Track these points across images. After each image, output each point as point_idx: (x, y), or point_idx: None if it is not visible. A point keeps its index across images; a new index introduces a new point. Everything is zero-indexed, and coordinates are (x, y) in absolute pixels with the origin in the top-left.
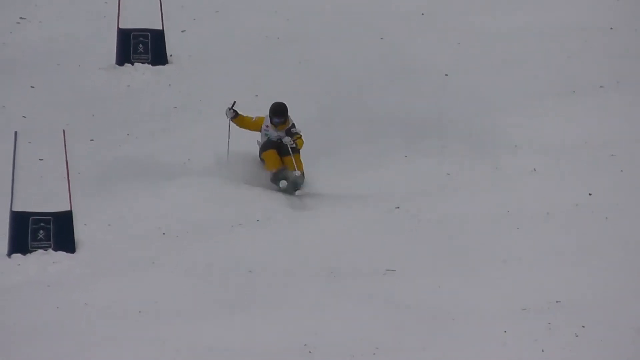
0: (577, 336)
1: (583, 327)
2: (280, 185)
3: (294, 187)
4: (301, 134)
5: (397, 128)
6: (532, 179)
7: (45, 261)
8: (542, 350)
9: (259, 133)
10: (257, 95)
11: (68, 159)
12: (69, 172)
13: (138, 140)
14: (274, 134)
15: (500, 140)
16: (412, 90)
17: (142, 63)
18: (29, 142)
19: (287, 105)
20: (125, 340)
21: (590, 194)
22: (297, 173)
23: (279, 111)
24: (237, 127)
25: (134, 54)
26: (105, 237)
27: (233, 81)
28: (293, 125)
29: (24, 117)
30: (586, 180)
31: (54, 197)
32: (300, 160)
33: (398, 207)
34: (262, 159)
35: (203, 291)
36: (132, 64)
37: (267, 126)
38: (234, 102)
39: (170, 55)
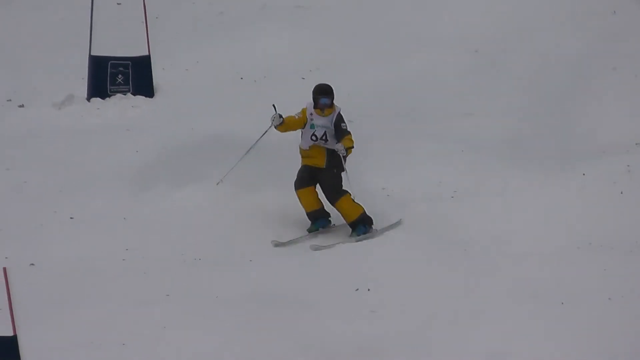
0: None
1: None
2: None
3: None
4: (350, 131)
5: None
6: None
7: (124, 105)
8: (621, 193)
9: (299, 138)
10: None
11: (146, 4)
12: (147, 16)
13: None
14: (320, 122)
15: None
16: None
17: None
18: None
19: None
20: (207, 183)
21: None
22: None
23: (326, 89)
24: (279, 133)
25: None
26: (183, 82)
27: None
28: (341, 118)
29: None
30: None
31: (132, 42)
32: (354, 203)
33: (477, 51)
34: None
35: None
36: None
37: (311, 114)
38: (274, 105)
39: None
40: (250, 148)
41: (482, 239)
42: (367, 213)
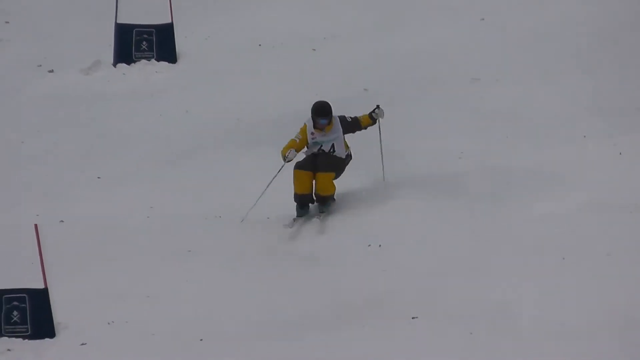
0: None
1: None
2: (298, 214)
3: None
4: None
5: None
6: None
7: (148, 71)
8: (620, 154)
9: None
10: None
11: None
12: None
13: None
14: (323, 139)
15: None
16: None
17: None
18: None
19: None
20: (227, 145)
21: None
22: (320, 216)
23: (323, 110)
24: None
25: None
26: (204, 49)
27: None
28: (344, 118)
29: None
30: None
31: (156, 11)
32: (332, 183)
33: (483, 19)
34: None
35: (298, 94)
36: None
37: (312, 133)
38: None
39: None
40: (268, 184)
41: (487, 199)
42: (335, 196)
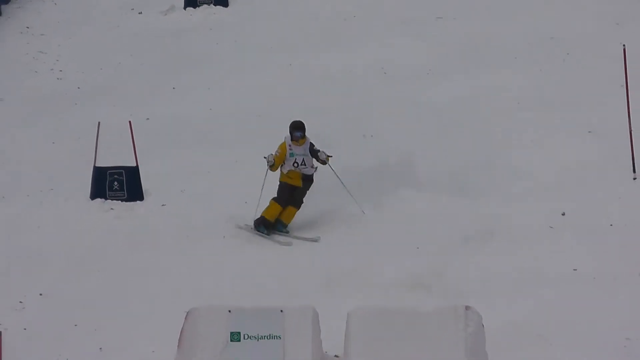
0: (564, 61)
1: (567, 54)
2: (259, 230)
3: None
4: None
5: None
6: None
7: (208, 13)
8: (540, 70)
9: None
10: None
11: None
12: None
13: None
14: (298, 152)
15: None
16: None
17: None
18: None
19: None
20: (264, 62)
21: None
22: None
23: (299, 125)
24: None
25: None
26: None
27: None
28: (313, 145)
29: None
30: None
31: None
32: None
33: None
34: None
35: (311, 35)
36: None
37: (289, 146)
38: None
39: None
40: (261, 189)
41: (451, 101)
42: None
